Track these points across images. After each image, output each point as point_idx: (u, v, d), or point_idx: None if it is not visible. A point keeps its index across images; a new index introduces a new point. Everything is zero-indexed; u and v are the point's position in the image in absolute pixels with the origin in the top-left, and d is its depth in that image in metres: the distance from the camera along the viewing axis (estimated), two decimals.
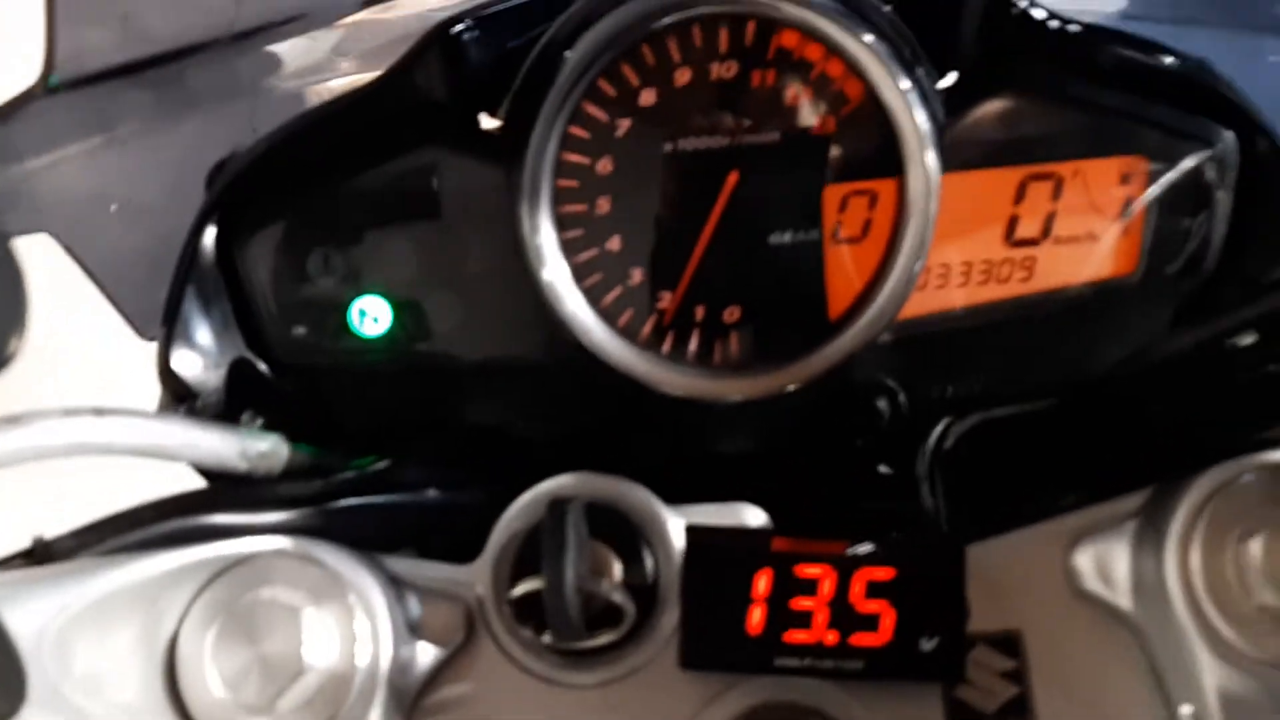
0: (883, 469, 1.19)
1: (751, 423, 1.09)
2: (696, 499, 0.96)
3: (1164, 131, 1.01)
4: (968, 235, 1.03)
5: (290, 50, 1.20)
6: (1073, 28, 1.00)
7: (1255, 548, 0.79)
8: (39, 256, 0.93)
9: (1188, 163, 1.01)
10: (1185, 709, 0.84)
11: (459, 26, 0.99)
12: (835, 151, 0.98)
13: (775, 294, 1.02)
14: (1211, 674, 0.80)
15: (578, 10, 0.98)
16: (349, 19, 1.20)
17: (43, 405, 0.75)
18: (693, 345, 1.03)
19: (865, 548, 0.85)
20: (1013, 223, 1.02)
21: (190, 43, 1.09)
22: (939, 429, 1.06)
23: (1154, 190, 1.02)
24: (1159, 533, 0.83)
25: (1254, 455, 0.83)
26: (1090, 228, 1.03)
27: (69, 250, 1.10)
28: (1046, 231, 1.03)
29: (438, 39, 0.98)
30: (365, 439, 1.06)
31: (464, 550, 0.94)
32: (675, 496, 0.96)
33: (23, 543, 0.82)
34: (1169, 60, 1.01)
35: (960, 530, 1.04)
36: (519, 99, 1.00)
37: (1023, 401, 1.06)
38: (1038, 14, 0.99)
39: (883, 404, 1.07)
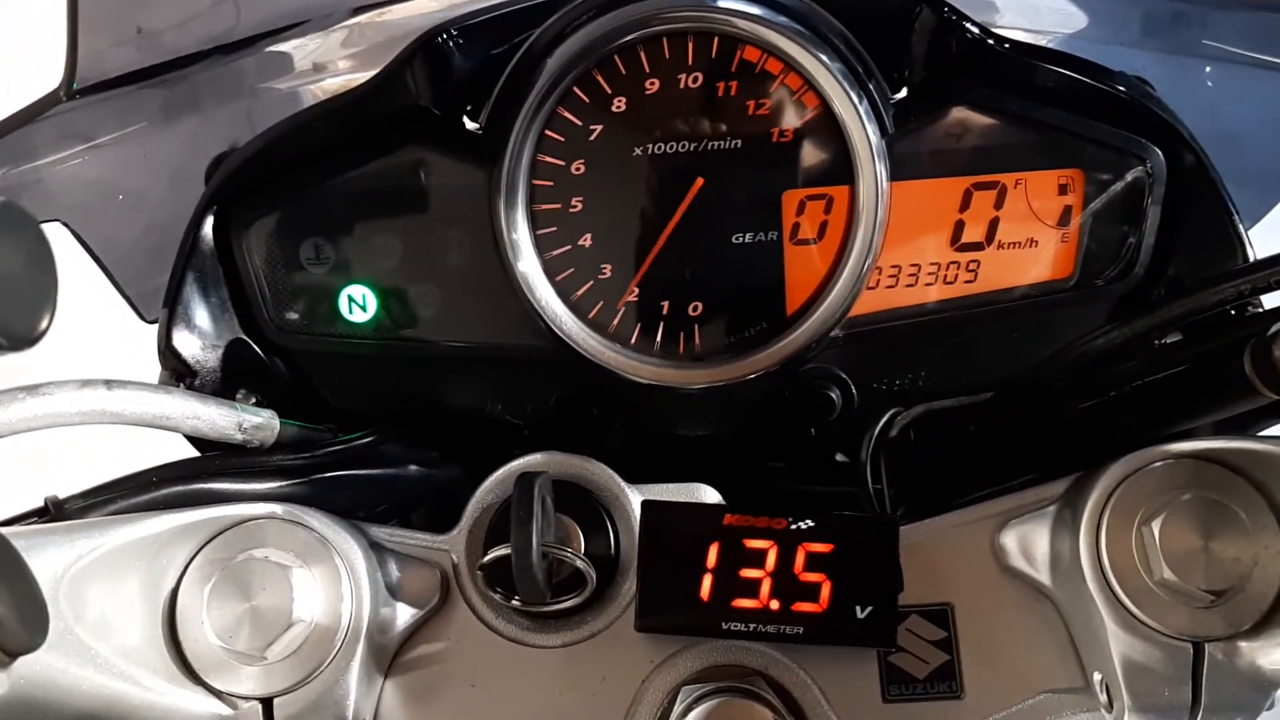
0: (839, 457, 1.28)
1: (712, 409, 1.16)
2: (659, 478, 1.03)
3: (1100, 147, 1.08)
4: (917, 239, 1.10)
5: (289, 52, 1.27)
6: (1017, 49, 1.07)
7: (1156, 529, 0.87)
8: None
9: (1126, 177, 1.09)
10: (1096, 675, 0.92)
11: (444, 35, 1.06)
12: (793, 158, 1.06)
13: (736, 289, 1.09)
14: (1118, 643, 0.88)
15: (555, 22, 1.04)
16: (344, 23, 1.27)
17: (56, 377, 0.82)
18: (658, 336, 1.10)
19: (807, 524, 0.93)
20: (959, 228, 1.10)
21: (196, 49, 1.16)
22: (884, 418, 1.13)
23: (1097, 203, 1.09)
24: (1075, 515, 0.91)
25: (1161, 445, 0.91)
26: (1031, 234, 1.10)
27: (78, 237, 1.16)
28: (990, 237, 1.10)
29: (424, 46, 1.05)
30: (351, 417, 1.14)
31: (442, 521, 1.02)
32: (639, 475, 1.04)
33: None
34: (1107, 81, 1.08)
35: (899, 511, 1.12)
36: (499, 104, 1.06)
37: (964, 394, 1.14)
38: (985, 36, 1.06)
39: (834, 394, 1.14)
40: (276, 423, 0.97)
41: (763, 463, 1.28)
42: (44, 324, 0.69)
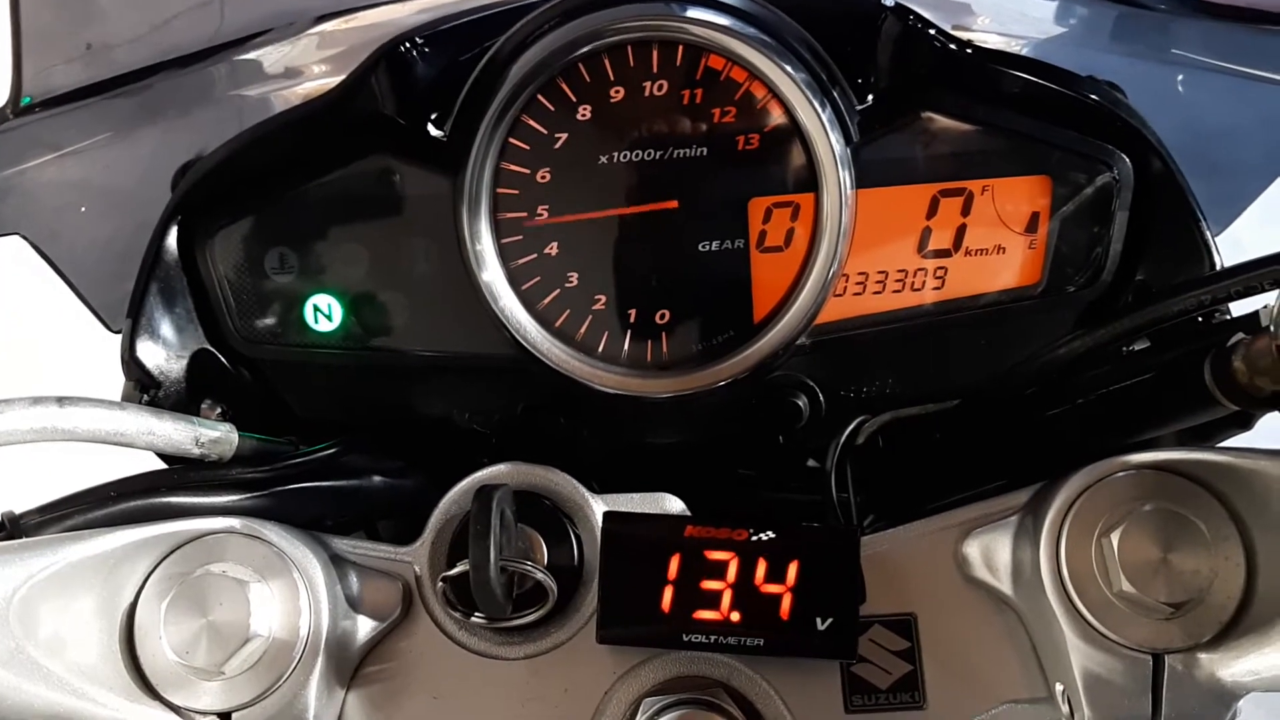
0: (810, 463, 1.28)
1: (681, 417, 1.16)
2: (628, 486, 1.03)
3: (1068, 153, 1.08)
4: (884, 246, 1.10)
5: (255, 60, 1.27)
6: (983, 55, 1.07)
7: (1115, 540, 0.87)
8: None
9: (1093, 184, 1.08)
10: (1058, 687, 0.92)
11: (407, 44, 1.05)
12: (759, 166, 1.05)
13: (703, 297, 1.09)
14: (1078, 655, 0.88)
15: (519, 30, 1.04)
16: (311, 30, 1.26)
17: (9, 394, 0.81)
18: (625, 345, 1.09)
19: (768, 535, 0.93)
20: (926, 235, 1.09)
21: (151, 62, 1.16)
22: (851, 426, 1.13)
23: (1065, 210, 1.09)
24: (1036, 525, 0.91)
25: (1121, 456, 0.91)
26: (998, 241, 1.10)
27: (39, 250, 1.16)
28: (957, 244, 1.09)
29: (387, 55, 1.04)
30: (318, 427, 1.13)
31: (410, 530, 1.02)
32: (608, 483, 1.03)
33: None
34: (1074, 87, 1.08)
35: (866, 519, 1.12)
36: (463, 112, 1.06)
37: (932, 401, 1.13)
38: (950, 43, 1.06)
39: (802, 402, 1.14)
40: (235, 436, 0.96)
41: (732, 470, 1.28)
42: None
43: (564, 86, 1.03)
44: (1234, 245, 1.14)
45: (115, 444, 0.87)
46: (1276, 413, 0.89)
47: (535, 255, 1.07)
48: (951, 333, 1.12)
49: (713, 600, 0.93)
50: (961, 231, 1.09)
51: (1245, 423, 0.97)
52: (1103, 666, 0.88)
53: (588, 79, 1.03)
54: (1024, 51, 1.36)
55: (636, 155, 1.04)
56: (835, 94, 1.04)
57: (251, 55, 1.27)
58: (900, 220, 1.09)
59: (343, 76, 1.07)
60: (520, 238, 1.06)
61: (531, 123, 1.04)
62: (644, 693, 0.95)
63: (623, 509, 1.00)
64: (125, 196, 1.26)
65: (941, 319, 1.11)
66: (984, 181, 1.08)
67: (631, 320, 1.09)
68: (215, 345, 1.14)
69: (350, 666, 0.96)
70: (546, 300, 1.08)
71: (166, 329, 1.10)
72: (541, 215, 1.06)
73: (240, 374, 1.15)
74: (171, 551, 0.90)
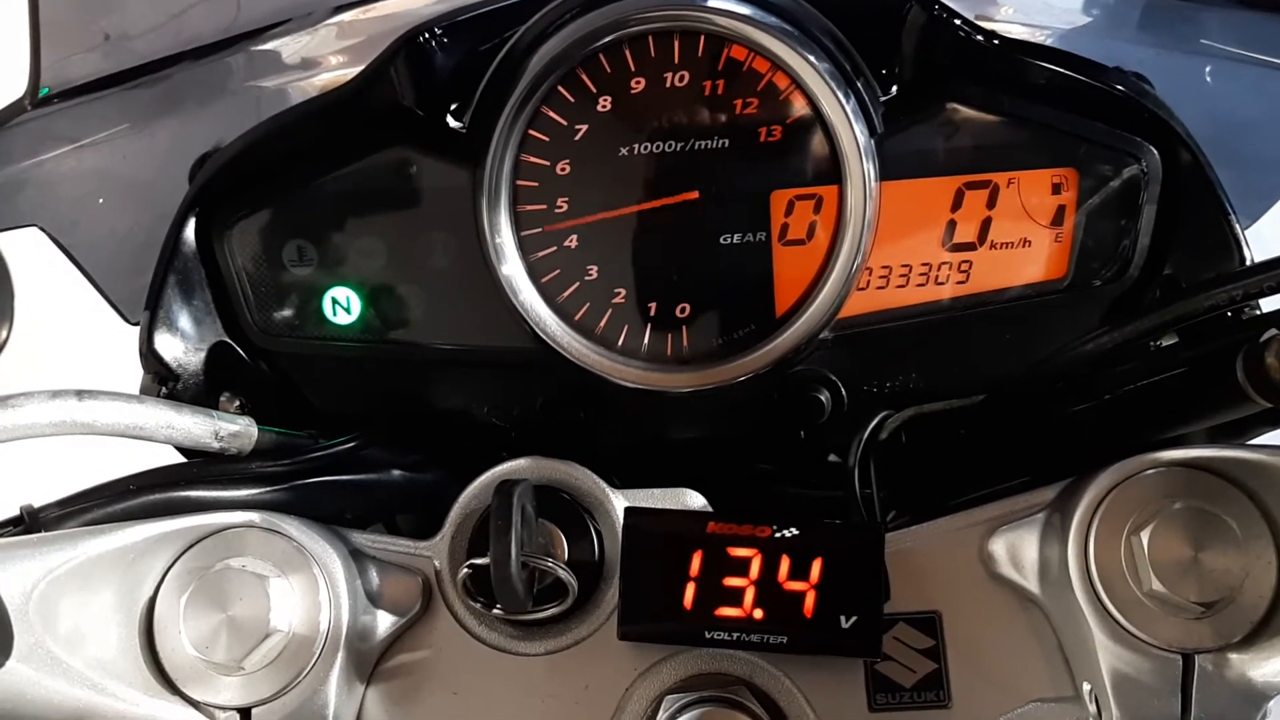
0: (832, 458, 1.26)
1: (701, 412, 1.15)
2: (648, 481, 1.02)
3: (1094, 145, 1.06)
4: (908, 239, 1.08)
5: (273, 51, 1.26)
6: (1008, 46, 1.05)
7: (1145, 539, 0.86)
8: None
9: (1120, 176, 1.07)
10: (1086, 686, 0.91)
11: (426, 34, 1.04)
12: (781, 158, 1.04)
13: (725, 291, 1.08)
14: (1106, 654, 0.87)
15: (539, 21, 1.03)
16: (330, 20, 1.26)
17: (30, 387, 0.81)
18: (646, 339, 1.08)
19: (791, 532, 0.92)
20: (950, 228, 1.08)
21: (169, 52, 1.15)
22: (874, 421, 1.11)
23: (1091, 203, 1.07)
24: (1064, 523, 0.90)
25: (1151, 453, 0.89)
26: (1024, 234, 1.08)
27: (57, 242, 1.16)
28: (982, 237, 1.08)
29: (406, 45, 1.03)
30: (337, 420, 1.13)
31: (430, 524, 1.01)
32: (628, 478, 1.02)
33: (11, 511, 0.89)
34: (1101, 78, 1.06)
35: (889, 515, 1.11)
36: (482, 103, 1.05)
37: (956, 396, 1.12)
38: (975, 33, 1.04)
39: (824, 396, 1.12)
40: (254, 429, 0.96)
41: (753, 465, 1.27)
42: (1, 336, 0.68)
43: (584, 77, 1.02)
44: (1259, 242, 1.12)
45: (134, 438, 0.86)
46: None
47: (555, 248, 1.06)
48: (976, 327, 1.10)
49: (735, 597, 0.92)
50: (986, 224, 1.08)
51: (1277, 420, 0.95)
52: (1131, 666, 0.86)
53: (608, 70, 1.02)
54: (1049, 42, 1.35)
55: (657, 147, 1.03)
56: (859, 84, 1.03)
57: (269, 46, 1.26)
58: (924, 213, 1.08)
59: (361, 67, 1.06)
60: (540, 230, 1.05)
61: (551, 114, 1.03)
62: (665, 690, 0.94)
63: (644, 504, 0.99)
64: (143, 188, 1.26)
65: (966, 313, 1.10)
66: (1009, 174, 1.06)
67: (652, 314, 1.08)
68: (233, 338, 1.13)
69: (370, 661, 0.96)
70: (566, 294, 1.07)
71: (185, 321, 1.09)
72: (561, 208, 1.05)
73: (259, 366, 1.15)
74: (191, 546, 0.90)
